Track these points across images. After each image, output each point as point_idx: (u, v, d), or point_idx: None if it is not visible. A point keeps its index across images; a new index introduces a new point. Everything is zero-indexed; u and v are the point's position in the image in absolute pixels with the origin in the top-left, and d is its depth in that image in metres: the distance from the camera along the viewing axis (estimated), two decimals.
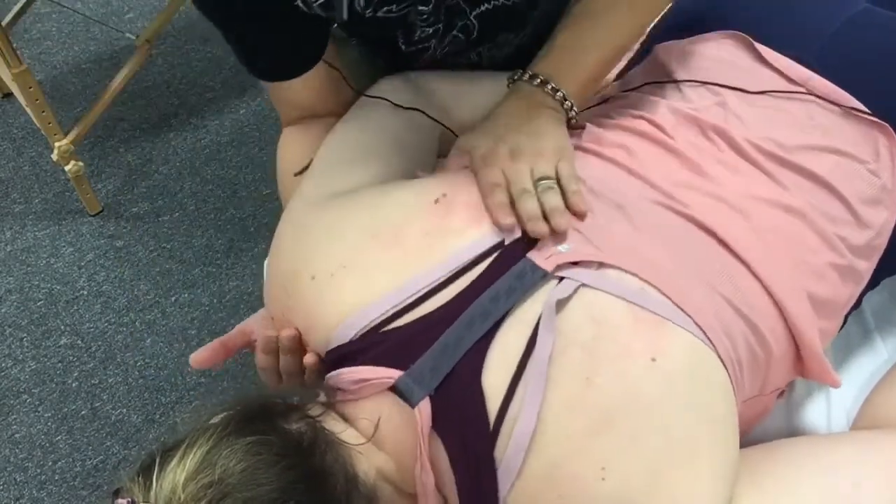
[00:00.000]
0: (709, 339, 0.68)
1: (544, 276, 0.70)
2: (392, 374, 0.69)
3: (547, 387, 0.65)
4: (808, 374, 0.78)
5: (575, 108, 0.84)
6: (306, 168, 0.92)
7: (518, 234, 0.74)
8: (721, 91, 0.87)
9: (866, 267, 0.82)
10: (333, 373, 0.73)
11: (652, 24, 0.92)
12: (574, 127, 0.85)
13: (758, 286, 0.74)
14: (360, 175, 0.87)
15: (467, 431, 0.66)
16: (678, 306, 0.68)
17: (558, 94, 0.83)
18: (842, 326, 0.84)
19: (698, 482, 0.64)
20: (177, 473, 0.62)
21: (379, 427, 0.70)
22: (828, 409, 0.85)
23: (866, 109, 0.83)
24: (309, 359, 0.78)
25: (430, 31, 0.92)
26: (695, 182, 0.79)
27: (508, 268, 0.71)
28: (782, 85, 0.86)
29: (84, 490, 1.47)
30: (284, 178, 0.97)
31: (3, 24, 1.73)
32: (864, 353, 0.90)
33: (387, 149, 0.91)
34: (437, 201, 0.77)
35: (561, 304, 0.68)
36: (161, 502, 0.61)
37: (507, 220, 0.73)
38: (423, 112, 0.95)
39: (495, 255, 0.73)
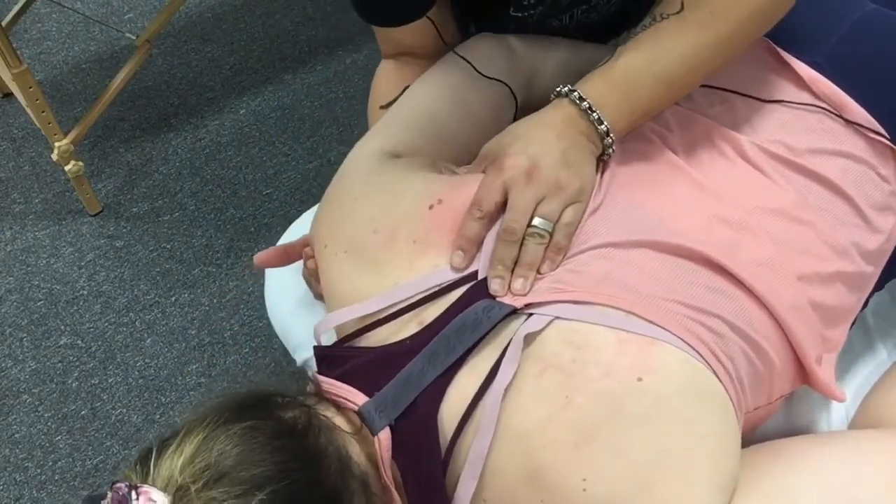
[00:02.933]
0: (700, 355, 0.68)
1: (513, 312, 0.70)
2: (358, 399, 0.72)
3: (514, 406, 0.66)
4: (813, 384, 0.78)
5: (613, 147, 0.78)
6: (391, 103, 0.95)
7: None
8: (730, 95, 0.86)
9: (873, 272, 0.81)
10: (318, 376, 0.77)
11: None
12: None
13: (757, 305, 0.73)
14: (419, 142, 0.89)
15: (422, 460, 0.68)
16: (665, 329, 0.68)
17: (602, 126, 0.77)
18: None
19: (691, 495, 0.64)
20: (174, 460, 0.63)
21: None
22: (827, 407, 0.85)
23: (873, 125, 0.82)
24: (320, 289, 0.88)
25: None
26: (695, 201, 0.78)
27: (477, 300, 0.72)
28: (791, 89, 0.85)
29: (84, 490, 1.47)
30: (372, 109, 1.01)
31: (3, 24, 1.73)
32: (864, 352, 0.90)
33: (456, 122, 0.92)
34: (431, 207, 0.78)
35: (532, 337, 0.69)
36: (159, 485, 0.62)
37: (458, 261, 0.74)
38: (507, 85, 0.94)
39: (470, 284, 0.74)
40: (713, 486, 0.65)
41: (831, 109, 0.83)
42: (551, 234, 0.74)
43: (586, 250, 0.74)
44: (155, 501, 0.60)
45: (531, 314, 0.70)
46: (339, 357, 0.77)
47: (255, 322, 1.67)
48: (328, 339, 0.84)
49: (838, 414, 0.85)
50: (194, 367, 1.62)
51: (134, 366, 1.63)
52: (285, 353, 1.08)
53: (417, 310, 0.74)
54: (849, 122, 0.82)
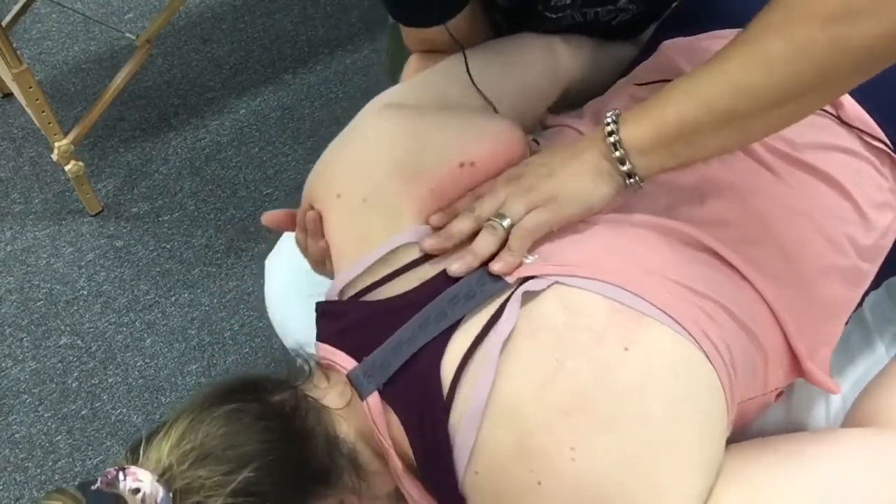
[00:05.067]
0: (691, 335, 0.68)
1: (507, 285, 0.71)
2: (347, 364, 0.73)
3: (509, 364, 0.67)
4: (807, 377, 0.78)
5: (636, 177, 0.71)
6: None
7: None
8: None
9: (870, 268, 0.81)
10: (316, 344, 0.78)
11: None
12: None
13: (756, 297, 0.74)
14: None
15: (424, 407, 0.69)
16: (657, 307, 0.68)
17: (624, 167, 0.70)
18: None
19: (674, 473, 0.64)
20: (162, 445, 0.65)
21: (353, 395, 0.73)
22: (827, 406, 0.85)
23: (870, 127, 0.82)
24: (322, 244, 0.82)
25: (568, 0, 0.93)
26: (696, 190, 0.79)
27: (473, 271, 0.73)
28: None
29: None
30: None
31: (3, 24, 1.73)
32: (862, 349, 0.90)
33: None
34: (462, 166, 0.79)
35: (532, 296, 0.69)
36: (147, 468, 0.63)
37: (427, 240, 0.75)
38: (492, 104, 0.92)
39: None
40: (695, 466, 0.65)
41: (831, 112, 0.83)
42: (508, 233, 0.74)
43: (589, 222, 0.75)
44: (141, 481, 0.61)
45: (528, 278, 0.71)
46: (339, 312, 0.77)
47: (255, 322, 1.67)
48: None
49: (837, 413, 0.85)
50: (194, 367, 1.62)
51: (134, 366, 1.63)
52: (285, 353, 1.08)
53: (422, 266, 0.75)
54: (848, 126, 0.82)
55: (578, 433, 0.64)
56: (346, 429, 0.72)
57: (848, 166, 0.81)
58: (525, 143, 0.84)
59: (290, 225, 0.93)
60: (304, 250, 0.87)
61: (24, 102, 1.73)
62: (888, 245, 0.82)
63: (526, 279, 0.71)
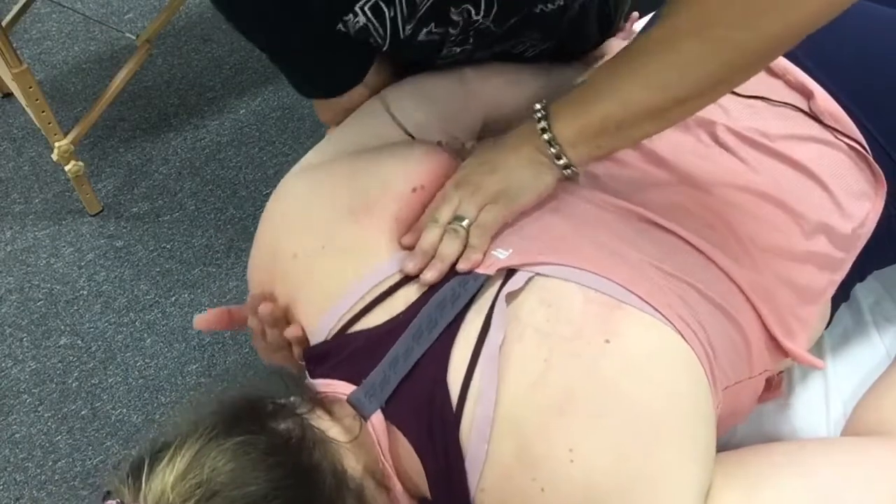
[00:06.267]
0: (667, 319, 0.68)
1: (489, 279, 0.72)
2: (346, 390, 0.72)
3: (505, 371, 0.67)
4: (790, 355, 0.79)
5: (572, 168, 0.74)
6: None
7: None
8: None
9: (846, 257, 0.81)
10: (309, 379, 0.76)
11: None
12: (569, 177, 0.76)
13: (723, 276, 0.74)
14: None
15: (433, 421, 0.68)
16: (631, 291, 0.69)
17: (552, 144, 0.74)
18: (831, 317, 0.84)
19: (666, 460, 0.64)
20: (166, 475, 0.63)
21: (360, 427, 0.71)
22: (827, 412, 0.85)
23: (843, 124, 0.82)
24: (290, 332, 0.81)
25: (458, 50, 0.93)
26: (660, 178, 0.79)
27: (451, 277, 0.73)
28: (765, 78, 0.85)
29: (84, 490, 1.47)
30: None
31: (3, 24, 1.73)
32: (862, 348, 0.90)
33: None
34: (414, 190, 0.80)
35: (514, 295, 0.70)
36: (150, 502, 0.62)
37: (408, 264, 0.75)
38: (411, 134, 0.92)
39: None
40: (687, 451, 0.66)
41: (803, 108, 0.83)
42: (468, 233, 0.75)
43: (552, 209, 0.76)
44: None
45: (511, 271, 0.72)
46: (330, 350, 0.76)
47: None
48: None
49: (837, 412, 0.85)
50: (194, 367, 1.62)
51: (134, 366, 1.63)
52: None
53: (404, 287, 0.75)
54: (824, 124, 0.83)
55: (573, 432, 0.64)
56: (353, 463, 0.71)
57: (823, 156, 0.81)
58: (452, 157, 0.84)
59: (226, 323, 0.93)
60: (260, 336, 0.86)
61: (24, 102, 1.73)
62: (866, 234, 0.82)
63: (507, 274, 0.72)
